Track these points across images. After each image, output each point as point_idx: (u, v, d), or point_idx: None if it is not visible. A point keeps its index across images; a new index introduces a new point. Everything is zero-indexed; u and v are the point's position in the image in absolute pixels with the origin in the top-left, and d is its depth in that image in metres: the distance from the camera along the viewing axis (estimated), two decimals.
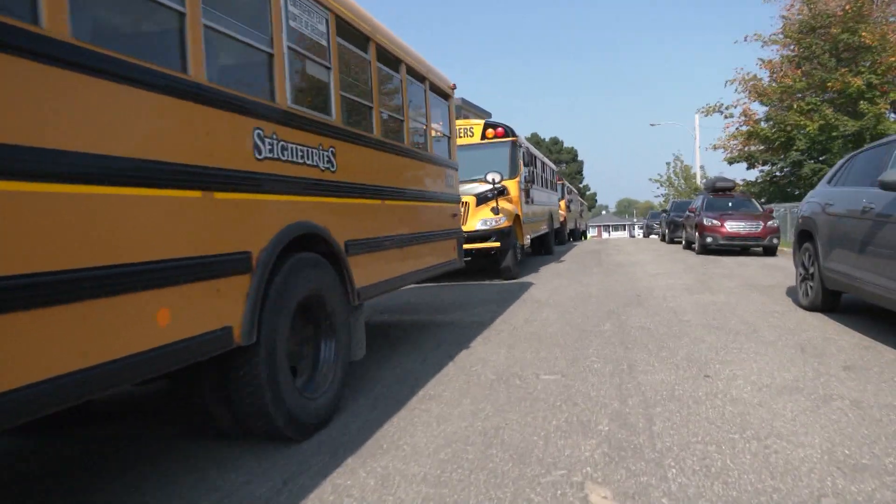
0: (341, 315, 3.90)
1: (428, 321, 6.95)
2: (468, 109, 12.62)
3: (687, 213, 17.73)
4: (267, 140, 3.20)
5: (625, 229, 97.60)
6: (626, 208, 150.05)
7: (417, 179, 5.59)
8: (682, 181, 46.86)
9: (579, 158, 77.06)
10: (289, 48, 3.47)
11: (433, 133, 6.31)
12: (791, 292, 7.85)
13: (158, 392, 4.29)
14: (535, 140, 63.21)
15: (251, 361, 3.03)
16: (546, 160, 18.31)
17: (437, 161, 6.30)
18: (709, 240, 14.92)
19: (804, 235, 6.78)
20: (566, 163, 70.64)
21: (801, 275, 6.87)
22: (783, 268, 11.39)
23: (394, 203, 4.96)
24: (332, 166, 3.92)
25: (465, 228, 10.36)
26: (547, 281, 10.29)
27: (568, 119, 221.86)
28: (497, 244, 10.34)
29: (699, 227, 15.32)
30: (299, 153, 3.53)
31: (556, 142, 72.57)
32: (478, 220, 10.44)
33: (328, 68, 3.99)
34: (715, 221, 14.95)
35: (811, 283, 6.50)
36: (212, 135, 2.76)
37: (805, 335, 5.35)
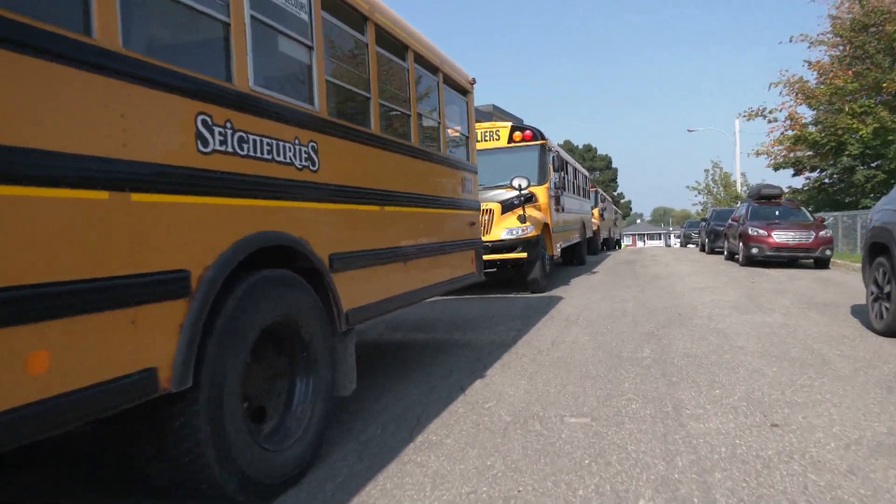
0: (323, 344, 3.22)
1: (443, 340, 6.24)
2: (499, 116, 11.92)
3: (729, 221, 16.67)
4: (217, 129, 2.54)
5: (660, 238, 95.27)
6: (662, 217, 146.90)
7: (427, 183, 4.89)
8: (722, 189, 45.25)
9: (613, 166, 75.54)
10: (253, 18, 2.82)
11: (448, 131, 5.61)
12: (857, 312, 6.90)
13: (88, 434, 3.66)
14: (568, 147, 62.07)
15: (188, 411, 2.36)
16: (578, 166, 17.47)
17: (452, 163, 5.60)
18: (754, 250, 13.89)
19: (877, 249, 5.87)
20: (600, 170, 69.23)
21: (872, 294, 5.95)
22: (840, 283, 10.35)
23: (396, 209, 4.27)
24: (314, 164, 3.25)
25: (489, 238, 9.65)
26: (578, 295, 9.48)
27: (602, 126, 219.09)
28: (524, 255, 9.58)
29: (743, 236, 14.29)
30: (266, 147, 2.87)
31: (589, 149, 71.24)
32: (503, 228, 9.70)
33: (309, 48, 3.33)
34: (761, 231, 13.91)
35: (887, 304, 5.59)
36: (128, 118, 2.11)
37: (888, 368, 4.47)
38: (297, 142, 3.11)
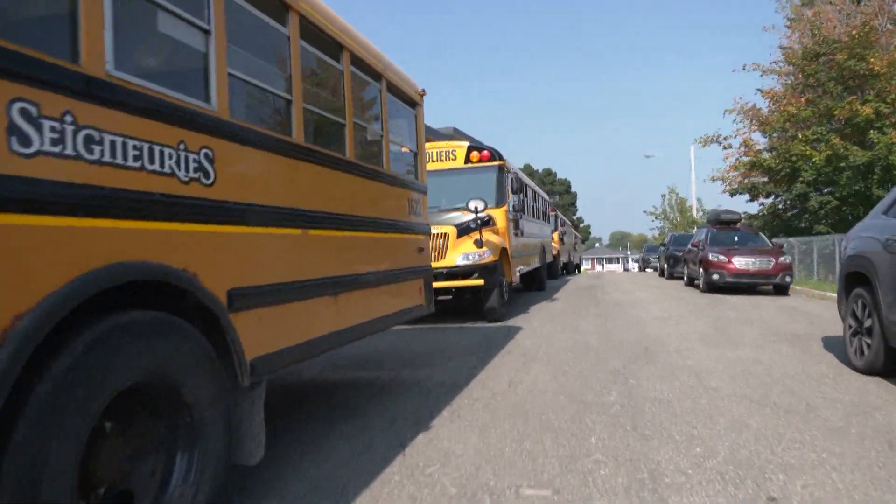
0: (213, 405, 2.52)
1: (388, 381, 5.55)
2: (460, 139, 11.40)
3: (689, 247, 16.49)
4: (47, 123, 1.86)
5: (618, 262, 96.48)
6: (620, 241, 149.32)
7: (364, 203, 4.25)
8: (678, 214, 45.98)
9: (573, 190, 76.40)
10: None
11: (392, 146, 5.00)
12: (831, 346, 6.51)
13: None
14: (529, 171, 62.43)
15: None
16: (538, 189, 17.10)
17: (396, 181, 4.98)
18: (715, 277, 13.65)
19: (855, 278, 5.47)
20: (560, 194, 69.84)
21: (851, 327, 5.53)
22: (805, 312, 10.08)
23: (324, 234, 3.61)
24: (207, 177, 2.58)
25: (443, 263, 9.04)
26: (538, 325, 8.91)
27: (562, 150, 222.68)
28: (480, 282, 8.99)
29: (704, 262, 14.06)
30: (132, 152, 2.19)
31: (549, 173, 71.95)
32: (458, 253, 9.10)
33: (205, 32, 2.67)
34: (721, 257, 13.70)
35: (867, 340, 5.16)
36: None
37: (881, 417, 3.99)
38: (182, 147, 2.44)
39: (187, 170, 2.46)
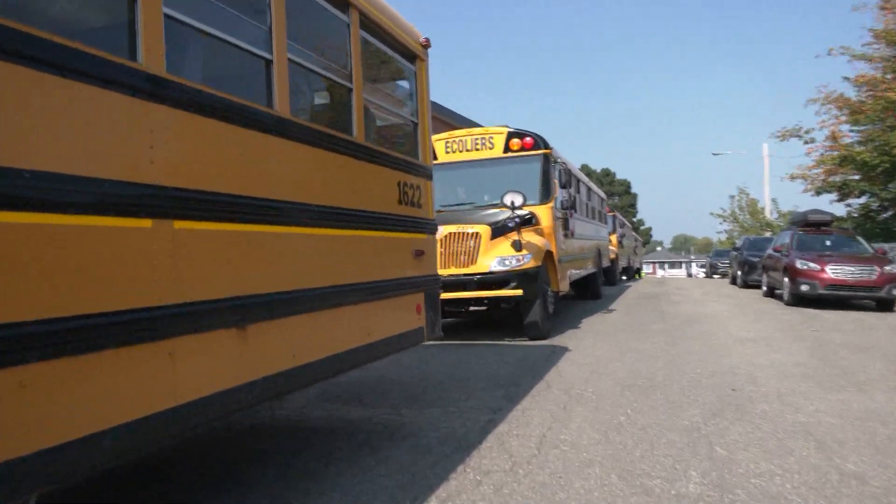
0: None
1: (383, 425, 4.12)
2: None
3: (769, 251, 14.35)
4: None
5: (681, 267, 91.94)
6: (683, 244, 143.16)
7: (304, 183, 2.81)
8: (749, 216, 42.74)
9: (632, 191, 73.14)
10: None
11: (370, 107, 3.55)
12: None
13: None
14: (586, 171, 59.93)
15: None
16: (593, 186, 15.34)
17: (376, 156, 3.52)
18: (804, 287, 11.57)
19: None
20: (618, 195, 66.83)
21: None
22: None
23: (198, 227, 2.19)
24: None
25: (473, 270, 7.55)
26: (589, 345, 7.28)
27: (620, 149, 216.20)
28: (519, 292, 7.43)
29: (790, 270, 11.99)
30: None
31: (607, 173, 68.97)
32: (493, 258, 7.58)
33: None
34: (812, 265, 11.62)
35: None
36: None
37: None
38: None
39: None
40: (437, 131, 8.90)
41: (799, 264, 11.78)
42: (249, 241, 2.38)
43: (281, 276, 2.55)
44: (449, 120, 16.09)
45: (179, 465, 3.58)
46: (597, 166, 68.13)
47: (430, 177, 4.23)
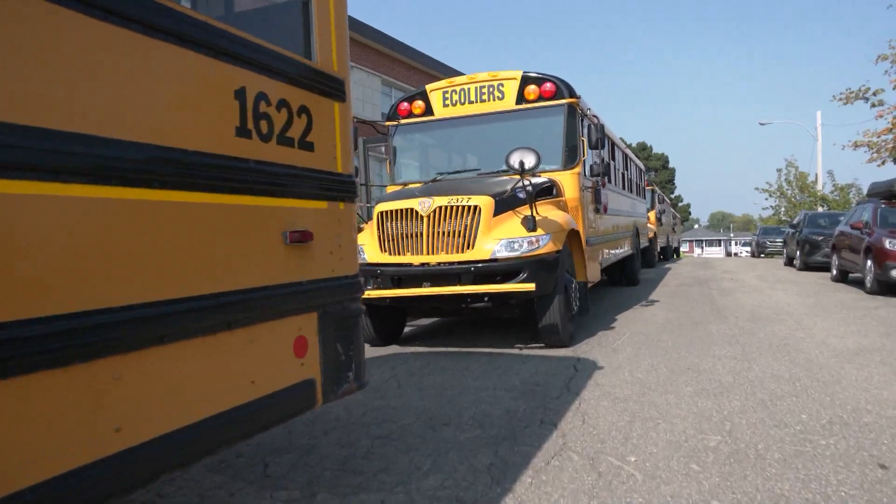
0: None
1: None
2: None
3: (844, 229, 12.05)
4: None
5: (720, 245, 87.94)
6: (720, 222, 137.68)
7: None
8: (797, 190, 39.54)
9: (670, 165, 69.61)
10: None
11: None
12: None
13: None
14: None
15: None
16: (630, 154, 13.14)
17: (183, 24, 1.60)
18: (894, 273, 9.35)
19: None
20: (655, 170, 63.53)
21: None
22: None
23: None
24: None
25: (469, 257, 5.61)
26: (625, 362, 5.30)
27: (657, 121, 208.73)
28: (531, 286, 5.44)
29: (876, 251, 9.76)
30: None
31: (643, 147, 65.63)
32: (496, 240, 5.62)
33: None
34: None
35: None
36: None
37: None
38: None
39: None
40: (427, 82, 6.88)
41: (888, 244, 9.53)
42: None
43: None
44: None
45: None
46: (632, 140, 64.85)
47: (333, 93, 2.27)
